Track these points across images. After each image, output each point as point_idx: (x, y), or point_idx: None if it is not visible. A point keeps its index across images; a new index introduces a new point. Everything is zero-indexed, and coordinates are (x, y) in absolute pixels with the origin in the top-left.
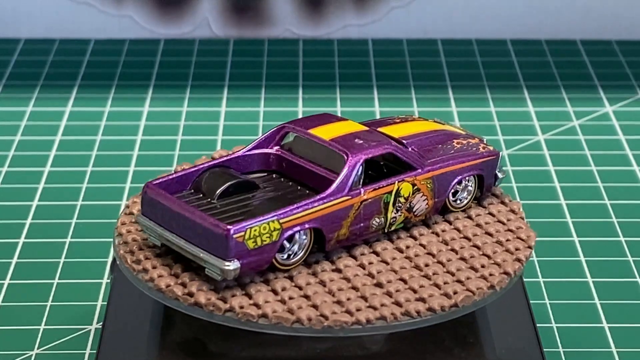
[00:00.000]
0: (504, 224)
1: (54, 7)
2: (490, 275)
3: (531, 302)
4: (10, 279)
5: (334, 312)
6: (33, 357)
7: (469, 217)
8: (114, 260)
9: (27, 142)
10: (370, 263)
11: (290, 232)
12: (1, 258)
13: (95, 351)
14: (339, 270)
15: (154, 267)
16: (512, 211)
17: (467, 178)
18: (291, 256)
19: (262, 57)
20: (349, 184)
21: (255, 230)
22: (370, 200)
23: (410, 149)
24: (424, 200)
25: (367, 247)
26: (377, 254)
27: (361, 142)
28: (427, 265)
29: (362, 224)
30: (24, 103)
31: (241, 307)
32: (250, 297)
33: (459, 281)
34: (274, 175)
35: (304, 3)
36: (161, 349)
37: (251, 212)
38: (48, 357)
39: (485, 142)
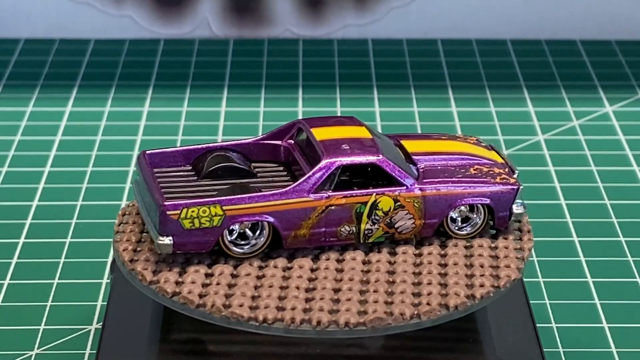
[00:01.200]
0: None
1: (54, 7)
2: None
3: (531, 302)
4: (10, 279)
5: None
6: (33, 357)
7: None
8: (114, 260)
9: (27, 142)
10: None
11: (235, 221)
12: (1, 258)
13: (95, 351)
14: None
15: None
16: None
17: (472, 206)
18: (246, 247)
19: (262, 57)
20: (313, 185)
21: (192, 212)
22: (338, 206)
23: (417, 166)
24: (410, 218)
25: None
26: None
27: (347, 148)
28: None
29: (327, 229)
30: (24, 103)
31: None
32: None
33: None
34: (281, 168)
35: (304, 3)
36: (161, 349)
37: (217, 196)
38: (48, 357)
39: (515, 174)
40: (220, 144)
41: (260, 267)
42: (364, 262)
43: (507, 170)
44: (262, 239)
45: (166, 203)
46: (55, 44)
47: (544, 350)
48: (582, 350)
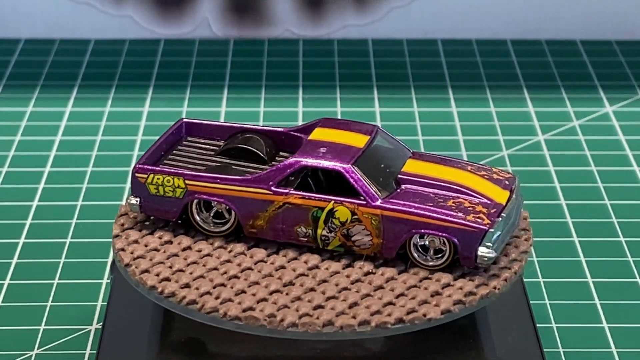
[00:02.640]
0: None
1: (54, 7)
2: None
3: (531, 302)
4: (10, 279)
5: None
6: (33, 357)
7: None
8: (114, 260)
9: (27, 142)
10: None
11: (195, 197)
12: (1, 258)
13: (95, 351)
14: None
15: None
16: None
17: (433, 238)
18: (212, 225)
19: (262, 57)
20: (275, 179)
21: (158, 179)
22: (295, 206)
23: (400, 187)
24: (367, 234)
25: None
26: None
27: (323, 151)
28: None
29: (284, 226)
30: (24, 103)
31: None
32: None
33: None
34: None
35: (304, 3)
36: (161, 349)
37: (201, 172)
38: (48, 357)
39: (495, 217)
40: (255, 126)
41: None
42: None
43: (494, 211)
44: (229, 223)
45: (137, 165)
46: (55, 44)
47: (544, 350)
48: (582, 350)
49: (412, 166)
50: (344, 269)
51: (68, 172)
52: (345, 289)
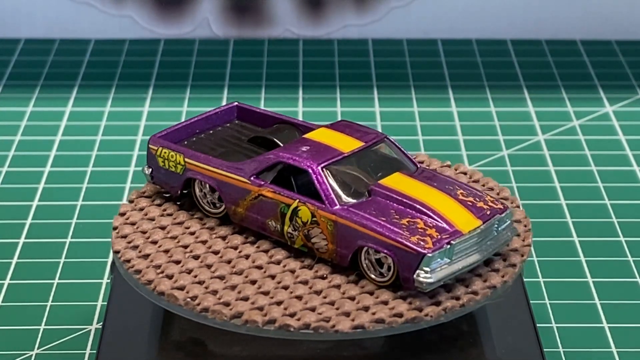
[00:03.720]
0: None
1: (54, 7)
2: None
3: (531, 302)
4: (10, 279)
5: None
6: (33, 357)
7: None
8: (113, 260)
9: (27, 142)
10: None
11: (191, 175)
12: (1, 258)
13: (95, 351)
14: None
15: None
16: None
17: (379, 253)
18: (210, 206)
19: (262, 57)
20: (254, 170)
21: (165, 152)
22: (267, 198)
23: (371, 198)
24: (323, 239)
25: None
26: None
27: (303, 150)
28: None
29: (259, 217)
30: (24, 103)
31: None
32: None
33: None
34: None
35: (304, 3)
36: (161, 349)
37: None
38: (48, 357)
39: (444, 243)
40: (295, 120)
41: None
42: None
43: (446, 236)
44: (223, 206)
45: (152, 137)
46: (55, 44)
47: (544, 350)
48: (582, 350)
49: (393, 180)
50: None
51: (68, 172)
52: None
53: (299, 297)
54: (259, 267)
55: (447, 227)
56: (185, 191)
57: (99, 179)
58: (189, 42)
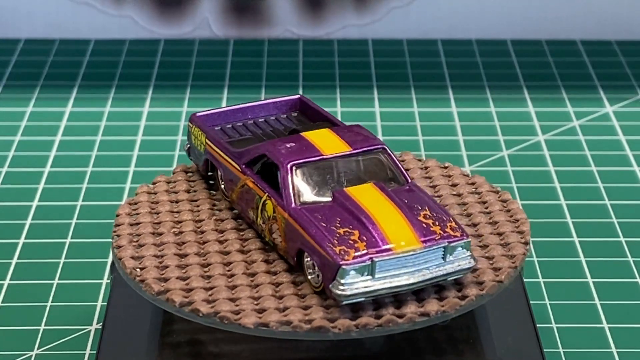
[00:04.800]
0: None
1: (54, 7)
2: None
3: (531, 302)
4: (10, 279)
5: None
6: (33, 357)
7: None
8: (113, 260)
9: (27, 142)
10: None
11: (207, 157)
12: (1, 258)
13: (95, 351)
14: None
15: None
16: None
17: (311, 258)
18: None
19: (262, 57)
20: (246, 159)
21: (195, 131)
22: (248, 188)
23: (329, 203)
24: (278, 235)
25: None
26: None
27: (288, 147)
28: None
29: (243, 205)
30: (24, 103)
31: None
32: (252, 303)
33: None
34: None
35: (304, 3)
36: (161, 349)
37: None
38: (48, 357)
39: (366, 258)
40: (335, 120)
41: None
42: None
43: (375, 251)
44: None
45: (193, 115)
46: (55, 44)
47: (544, 350)
48: (582, 350)
49: (359, 189)
50: None
51: (68, 172)
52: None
53: (233, 287)
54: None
55: (379, 244)
56: (211, 173)
57: (99, 179)
58: (189, 42)
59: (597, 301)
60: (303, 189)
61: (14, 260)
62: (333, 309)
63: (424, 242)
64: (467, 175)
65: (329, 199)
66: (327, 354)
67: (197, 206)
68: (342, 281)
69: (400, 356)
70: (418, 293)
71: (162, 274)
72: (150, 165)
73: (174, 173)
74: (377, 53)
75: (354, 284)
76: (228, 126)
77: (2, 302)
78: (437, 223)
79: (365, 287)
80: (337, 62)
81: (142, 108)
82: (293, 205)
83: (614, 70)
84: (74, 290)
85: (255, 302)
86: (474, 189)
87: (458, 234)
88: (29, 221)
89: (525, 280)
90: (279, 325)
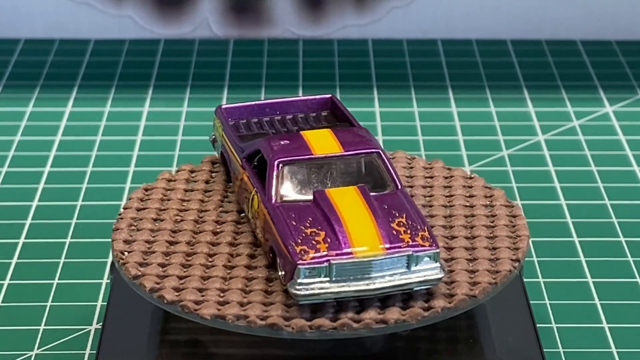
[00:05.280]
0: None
1: (54, 7)
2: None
3: (531, 302)
4: (10, 279)
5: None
6: (33, 357)
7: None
8: (113, 260)
9: (27, 142)
10: None
11: (222, 149)
12: (1, 258)
13: (95, 351)
14: None
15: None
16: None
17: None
18: None
19: (262, 57)
20: (247, 154)
21: (216, 121)
22: (243, 182)
23: (308, 203)
24: (260, 231)
25: None
26: None
27: (282, 144)
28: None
29: (242, 199)
30: (24, 103)
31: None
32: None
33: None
34: None
35: (304, 3)
36: (161, 349)
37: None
38: (48, 357)
39: (324, 260)
40: (354, 120)
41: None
42: None
43: (335, 254)
44: None
45: (218, 107)
46: (55, 44)
47: (544, 350)
48: (582, 350)
49: (339, 191)
50: None
51: (68, 172)
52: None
53: (207, 278)
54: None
55: (341, 247)
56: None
57: (99, 179)
58: (189, 42)
59: (597, 301)
60: (286, 186)
61: (14, 260)
62: (294, 308)
63: (387, 249)
64: (489, 188)
65: (310, 198)
66: (327, 354)
67: (209, 197)
68: (299, 281)
69: (400, 356)
70: (385, 300)
71: (145, 259)
72: (150, 165)
73: (201, 162)
74: (377, 53)
75: (311, 284)
76: (254, 120)
77: (2, 302)
78: (408, 231)
79: (322, 288)
80: (337, 62)
81: (142, 108)
82: (273, 201)
83: (614, 70)
84: (74, 290)
85: (222, 295)
86: (488, 202)
87: (427, 244)
88: (29, 221)
89: (525, 280)
90: (235, 319)
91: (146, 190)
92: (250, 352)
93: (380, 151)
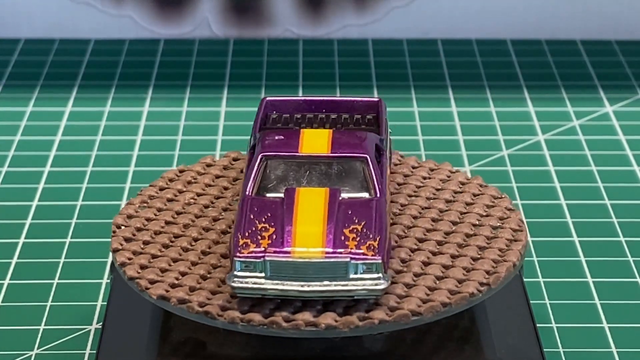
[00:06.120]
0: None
1: (54, 7)
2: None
3: (531, 302)
4: (10, 279)
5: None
6: (33, 357)
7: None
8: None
9: (27, 142)
10: None
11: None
12: (1, 258)
13: (95, 351)
14: None
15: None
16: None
17: None
18: None
19: (262, 57)
20: (251, 145)
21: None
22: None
23: (277, 199)
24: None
25: None
26: None
27: (276, 138)
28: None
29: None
30: (24, 103)
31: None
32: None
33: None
34: None
35: (304, 3)
36: (161, 349)
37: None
38: (48, 357)
39: (259, 256)
40: (382, 128)
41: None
42: None
43: (273, 251)
44: None
45: (263, 99)
46: (55, 44)
47: (544, 350)
48: (582, 350)
49: (309, 191)
50: None
51: (68, 172)
52: None
53: (176, 261)
54: None
55: (282, 245)
56: None
57: (99, 179)
58: (189, 42)
59: (597, 301)
60: (265, 180)
61: (14, 260)
62: (237, 300)
63: (326, 253)
64: (513, 211)
65: (282, 195)
66: (327, 354)
67: (226, 189)
68: (235, 273)
69: (400, 356)
70: (328, 304)
71: (135, 235)
72: (150, 165)
73: (225, 157)
74: (377, 53)
75: (246, 278)
76: (297, 115)
77: (2, 302)
78: (357, 239)
79: (256, 283)
80: (337, 62)
81: (142, 108)
82: (247, 193)
83: (614, 70)
84: (74, 290)
85: (179, 278)
86: (499, 223)
87: (370, 253)
88: (29, 221)
89: (525, 280)
90: (177, 302)
91: (180, 172)
92: (250, 353)
93: (368, 157)
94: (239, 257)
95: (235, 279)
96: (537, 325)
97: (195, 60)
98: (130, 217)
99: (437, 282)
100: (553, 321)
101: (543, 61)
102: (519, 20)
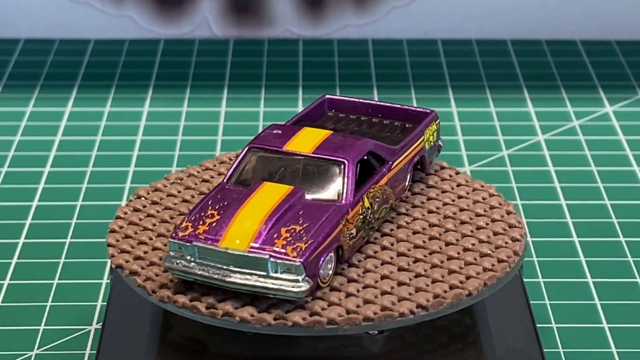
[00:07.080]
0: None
1: (54, 7)
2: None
3: (531, 302)
4: (10, 279)
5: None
6: (33, 357)
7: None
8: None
9: (27, 142)
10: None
11: None
12: (1, 258)
13: (95, 351)
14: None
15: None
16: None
17: None
18: None
19: (262, 57)
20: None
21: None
22: None
23: (244, 190)
24: None
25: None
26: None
27: (275, 132)
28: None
29: None
30: (24, 103)
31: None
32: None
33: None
34: None
35: (304, 3)
36: (161, 349)
37: None
38: (48, 357)
39: (192, 239)
40: (409, 139)
41: None
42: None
43: (201, 237)
44: None
45: (323, 94)
46: (55, 44)
47: (544, 350)
48: (582, 350)
49: (273, 187)
50: None
51: (68, 172)
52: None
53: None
54: None
55: (215, 233)
56: None
57: (99, 179)
58: (189, 42)
59: (597, 301)
60: (245, 171)
61: (14, 260)
62: (177, 282)
63: (250, 248)
64: (520, 222)
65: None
66: (328, 354)
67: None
68: (170, 253)
69: (400, 356)
70: (256, 299)
71: (138, 221)
72: (150, 165)
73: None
74: (377, 53)
75: (176, 260)
76: (352, 117)
77: (2, 302)
78: (288, 239)
79: (185, 267)
80: (337, 62)
81: (142, 108)
82: (224, 181)
83: (614, 70)
84: (74, 290)
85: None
86: (504, 230)
87: (292, 254)
88: (29, 221)
89: (525, 280)
90: (140, 282)
91: (202, 166)
92: (251, 353)
93: (346, 162)
94: (174, 238)
95: (168, 260)
96: (537, 325)
97: (195, 60)
98: (136, 209)
99: (379, 296)
100: (553, 321)
101: (543, 61)
102: (519, 20)
